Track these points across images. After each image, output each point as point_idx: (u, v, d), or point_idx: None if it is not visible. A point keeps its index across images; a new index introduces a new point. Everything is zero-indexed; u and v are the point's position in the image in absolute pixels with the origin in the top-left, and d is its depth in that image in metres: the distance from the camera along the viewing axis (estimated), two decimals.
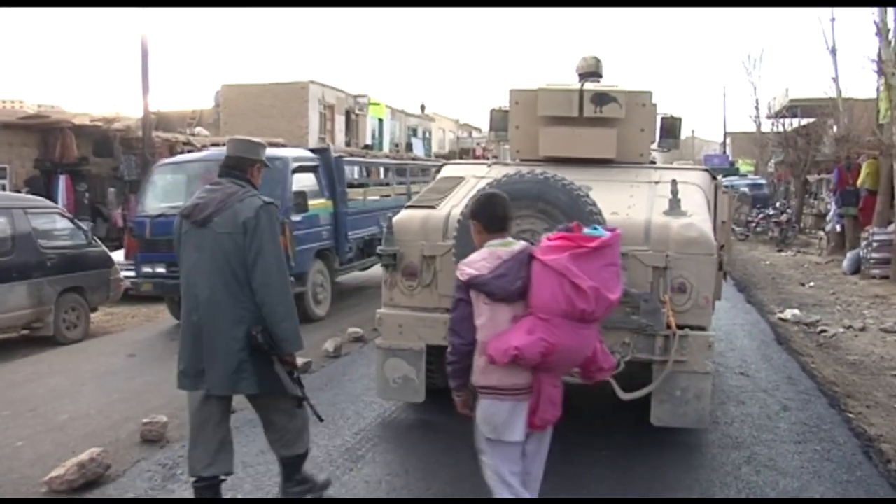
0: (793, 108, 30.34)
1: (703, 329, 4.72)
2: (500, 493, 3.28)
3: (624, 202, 5.19)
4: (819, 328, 9.11)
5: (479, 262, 3.24)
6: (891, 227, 13.51)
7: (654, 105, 6.41)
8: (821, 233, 19.99)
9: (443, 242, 5.06)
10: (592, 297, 3.04)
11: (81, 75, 77.70)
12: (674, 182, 5.02)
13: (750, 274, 14.74)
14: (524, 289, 3.16)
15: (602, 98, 6.08)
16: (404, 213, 5.35)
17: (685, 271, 4.65)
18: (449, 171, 6.42)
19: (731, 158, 45.16)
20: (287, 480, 4.12)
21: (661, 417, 4.78)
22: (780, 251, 19.49)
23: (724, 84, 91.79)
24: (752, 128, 37.80)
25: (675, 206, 4.92)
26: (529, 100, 6.31)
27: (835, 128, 21.82)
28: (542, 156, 6.22)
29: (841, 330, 9.04)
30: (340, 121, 33.12)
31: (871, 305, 10.83)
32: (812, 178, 26.51)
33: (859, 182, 15.80)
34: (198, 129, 23.99)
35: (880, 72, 13.46)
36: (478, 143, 45.64)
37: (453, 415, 5.68)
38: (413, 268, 5.16)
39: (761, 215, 23.34)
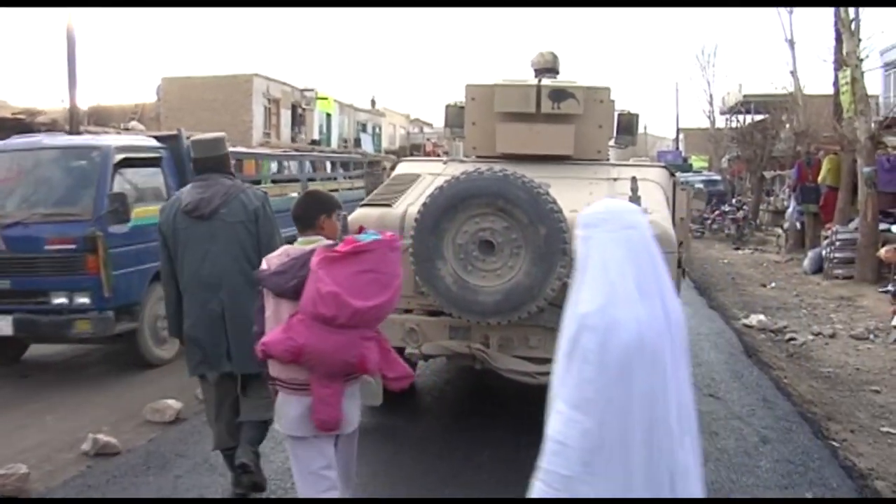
0: (746, 104, 31.13)
1: None
2: (307, 486, 3.39)
3: (583, 199, 5.20)
4: (787, 335, 8.84)
5: (273, 258, 3.44)
6: (852, 225, 13.42)
7: (612, 101, 6.50)
8: (779, 230, 19.99)
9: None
10: (332, 302, 3.10)
11: (35, 70, 75.52)
12: (634, 179, 5.08)
13: (709, 274, 14.65)
14: (301, 287, 3.23)
15: (560, 94, 6.14)
16: (360, 212, 5.34)
17: None
18: (404, 168, 6.43)
19: (683, 154, 46.05)
20: (251, 445, 4.32)
21: None
22: (737, 249, 19.52)
23: (677, 80, 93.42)
24: (705, 124, 38.66)
25: (635, 203, 4.99)
26: (486, 95, 6.34)
27: (789, 124, 22.23)
28: (498, 152, 6.24)
29: (810, 337, 8.79)
30: (286, 115, 32.93)
31: (837, 308, 10.69)
32: (768, 174, 26.95)
33: (820, 178, 15.77)
34: (132, 124, 23.60)
35: (842, 64, 13.45)
36: (427, 139, 45.74)
37: (412, 418, 5.79)
38: None
39: (717, 212, 23.41)
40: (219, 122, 27.18)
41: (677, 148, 50.96)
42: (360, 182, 13.76)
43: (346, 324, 3.17)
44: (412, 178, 5.88)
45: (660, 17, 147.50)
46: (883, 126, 13.78)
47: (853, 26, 12.86)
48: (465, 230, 4.69)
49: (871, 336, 8.84)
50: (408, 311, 5.16)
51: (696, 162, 44.67)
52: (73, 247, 6.95)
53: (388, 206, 5.32)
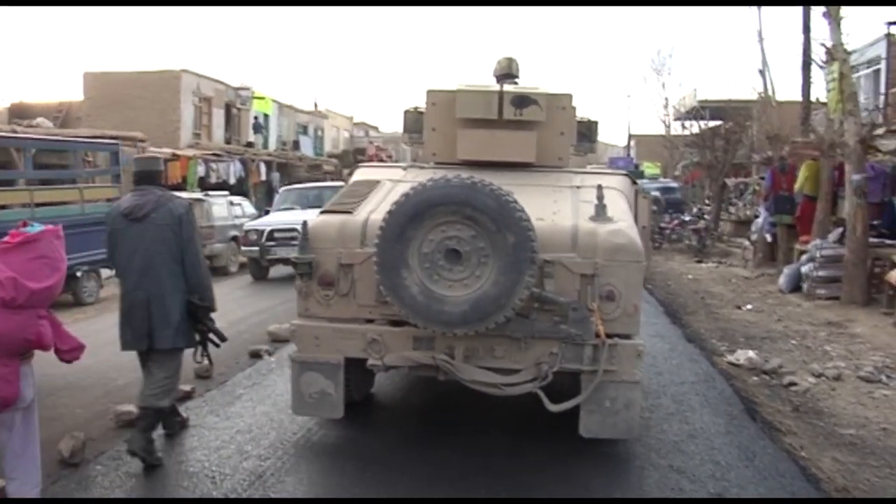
0: (702, 109, 32.06)
1: (631, 337, 5.08)
2: None
3: (548, 207, 5.48)
4: (784, 378, 7.76)
5: None
6: (831, 237, 13.01)
7: (574, 108, 6.78)
8: (745, 242, 19.58)
9: (361, 249, 5.25)
10: (10, 286, 3.87)
11: None
12: (600, 187, 5.35)
13: (674, 293, 14.04)
14: None
15: (522, 100, 6.38)
16: (320, 219, 5.50)
17: (613, 278, 4.97)
18: (363, 174, 6.61)
19: (635, 161, 47.08)
20: (144, 431, 5.28)
21: (590, 428, 5.10)
22: (699, 262, 19.29)
23: (629, 86, 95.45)
24: (658, 130, 39.68)
25: (601, 212, 5.23)
26: (447, 101, 6.55)
27: (754, 128, 22.63)
28: (459, 159, 6.47)
29: (811, 380, 7.72)
30: (219, 115, 32.54)
31: (829, 338, 9.83)
32: (731, 181, 27.23)
33: (797, 187, 15.18)
34: (38, 121, 23.06)
35: (807, 56, 13.12)
36: (370, 142, 45.87)
37: (374, 431, 5.93)
38: (329, 276, 5.33)
39: (676, 221, 23.39)
40: (145, 122, 26.88)
41: (628, 154, 52.08)
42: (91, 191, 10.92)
43: (23, 304, 3.92)
44: (372, 185, 6.06)
45: (610, 23, 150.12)
46: (872, 129, 12.91)
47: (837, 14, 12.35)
48: (432, 238, 4.88)
49: (884, 378, 7.83)
50: (370, 321, 5.34)
51: (649, 169, 45.77)
52: None
53: (349, 213, 5.49)
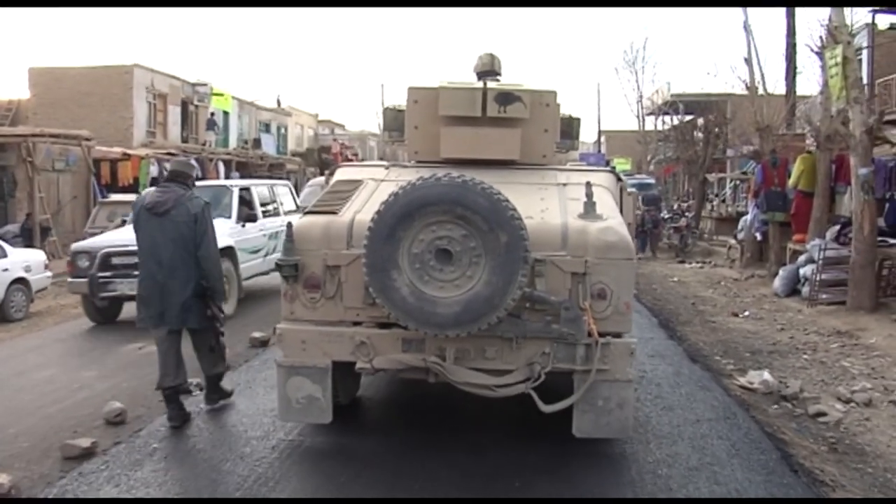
0: (675, 104, 32.54)
1: (623, 335, 5.23)
2: None
3: (536, 205, 5.61)
4: (809, 406, 6.96)
5: None
6: (829, 235, 12.62)
7: (558, 105, 6.93)
8: (731, 241, 19.24)
9: (347, 251, 5.34)
10: None
11: None
12: (589, 185, 5.49)
13: (663, 298, 13.54)
14: None
15: (506, 97, 6.51)
16: (305, 220, 5.59)
17: (605, 276, 5.12)
18: (344, 173, 6.70)
19: (606, 157, 47.71)
20: (211, 393, 6.83)
21: (583, 428, 5.25)
22: (681, 262, 19.15)
23: (599, 81, 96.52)
24: (628, 126, 40.21)
25: (590, 210, 5.38)
26: (430, 98, 6.65)
27: (729, 124, 22.96)
28: (442, 157, 6.57)
29: (840, 408, 6.94)
30: (175, 112, 32.35)
31: (842, 350, 9.19)
32: (711, 176, 27.39)
33: (791, 182, 14.71)
34: None
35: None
36: (335, 139, 45.91)
37: (363, 435, 6.03)
38: (315, 279, 5.41)
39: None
40: (96, 120, 26.75)
41: (599, 150, 52.71)
42: None
43: None
44: (355, 185, 6.15)
45: (577, 15, 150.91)
46: (881, 118, 12.18)
47: None
48: (422, 238, 4.97)
49: None
50: (357, 324, 5.44)
51: (620, 165, 46.32)
52: None
53: (334, 213, 5.58)
